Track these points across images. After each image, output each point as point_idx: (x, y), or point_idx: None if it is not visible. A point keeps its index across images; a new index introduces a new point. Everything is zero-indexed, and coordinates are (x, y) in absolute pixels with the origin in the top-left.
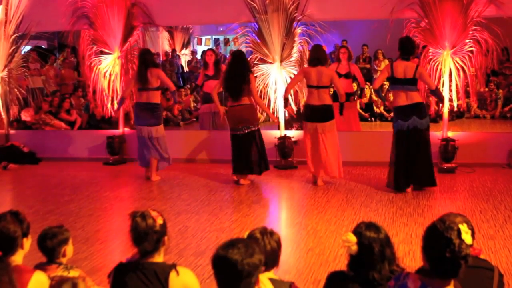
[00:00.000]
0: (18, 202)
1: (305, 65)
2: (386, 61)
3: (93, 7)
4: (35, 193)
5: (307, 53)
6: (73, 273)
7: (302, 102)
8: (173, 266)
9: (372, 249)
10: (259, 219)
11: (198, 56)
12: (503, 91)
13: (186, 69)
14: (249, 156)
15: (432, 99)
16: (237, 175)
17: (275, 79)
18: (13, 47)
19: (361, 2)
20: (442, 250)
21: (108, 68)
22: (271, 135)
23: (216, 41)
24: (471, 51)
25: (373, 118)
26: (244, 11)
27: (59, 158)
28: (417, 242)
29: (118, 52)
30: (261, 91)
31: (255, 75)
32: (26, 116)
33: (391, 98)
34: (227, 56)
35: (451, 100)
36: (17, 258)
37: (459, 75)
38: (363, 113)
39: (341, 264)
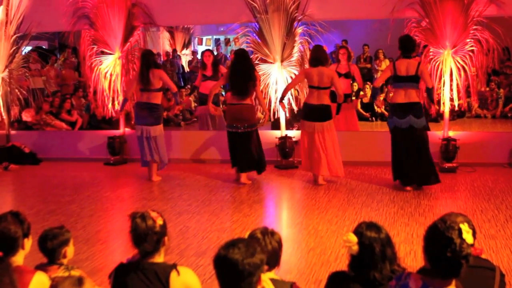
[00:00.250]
0: (19, 202)
1: (306, 66)
2: (387, 61)
3: (94, 8)
4: (36, 193)
5: (308, 53)
6: (74, 274)
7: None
8: (174, 266)
9: (373, 249)
10: (260, 219)
11: (199, 56)
12: (504, 90)
13: (187, 69)
14: (246, 155)
15: (433, 99)
16: (236, 173)
17: (276, 79)
18: (14, 48)
19: (361, 2)
20: (443, 249)
21: (109, 68)
22: (272, 135)
23: (217, 41)
24: (472, 51)
25: (374, 118)
26: (244, 11)
27: (60, 158)
28: (418, 242)
29: (119, 52)
30: (261, 91)
31: None
32: (27, 116)
33: (391, 95)
34: (228, 56)
35: (452, 99)
36: (18, 259)
37: (460, 75)
38: (364, 113)
39: (342, 264)
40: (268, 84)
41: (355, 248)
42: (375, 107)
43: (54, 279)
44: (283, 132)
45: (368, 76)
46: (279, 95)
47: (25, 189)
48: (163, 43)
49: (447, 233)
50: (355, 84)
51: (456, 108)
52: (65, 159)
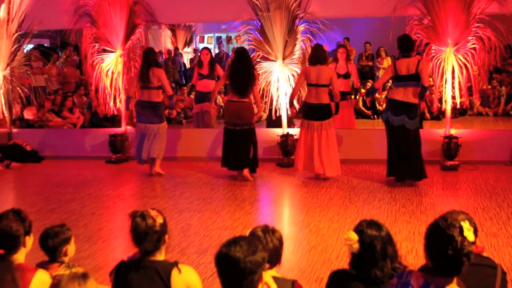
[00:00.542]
0: (20, 200)
1: (307, 64)
2: (389, 59)
3: (95, 5)
4: (37, 191)
5: (310, 50)
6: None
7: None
8: (175, 264)
9: (373, 247)
10: (261, 217)
11: None
12: (506, 88)
13: (188, 67)
14: (241, 153)
15: (435, 97)
16: (230, 169)
17: (278, 77)
18: (16, 46)
19: (363, 0)
20: (445, 247)
21: (110, 66)
22: (273, 133)
23: (219, 39)
24: (474, 48)
25: (375, 116)
26: (246, 9)
27: (61, 156)
28: (420, 240)
29: (121, 50)
30: (263, 89)
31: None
32: (28, 114)
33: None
34: (230, 54)
35: (453, 97)
36: (20, 257)
37: (461, 72)
38: (366, 111)
39: (344, 262)
40: (269, 82)
41: (356, 246)
42: (377, 105)
43: (55, 277)
44: (284, 130)
45: (370, 74)
46: (280, 93)
47: (26, 187)
48: (164, 41)
49: (448, 231)
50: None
51: (458, 106)
52: (67, 157)
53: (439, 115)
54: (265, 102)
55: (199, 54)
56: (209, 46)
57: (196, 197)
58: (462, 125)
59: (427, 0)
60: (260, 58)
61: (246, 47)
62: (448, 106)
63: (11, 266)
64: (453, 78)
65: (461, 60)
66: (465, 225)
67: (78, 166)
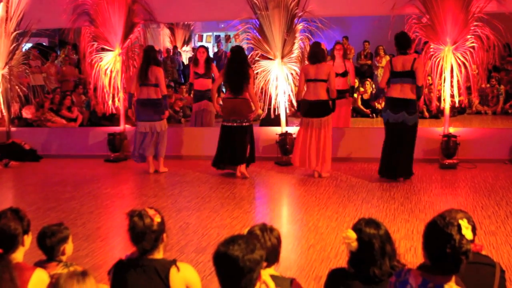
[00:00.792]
0: (19, 199)
1: (306, 62)
2: (388, 57)
3: (94, 4)
4: (36, 190)
5: (308, 49)
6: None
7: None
8: (174, 262)
9: (372, 246)
10: (260, 215)
11: None
12: (505, 87)
13: (186, 63)
14: (237, 149)
15: (434, 95)
16: (222, 169)
17: (276, 76)
18: (14, 45)
19: None
20: (443, 246)
21: (109, 65)
22: (272, 132)
23: (217, 37)
24: (473, 47)
25: (374, 114)
26: (245, 8)
27: (60, 155)
28: (418, 238)
29: (119, 49)
30: (262, 88)
31: (256, 71)
32: (27, 113)
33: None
34: (228, 52)
35: (452, 96)
36: (18, 256)
37: (460, 71)
38: (364, 109)
39: (343, 261)
40: (268, 80)
41: (354, 244)
42: (376, 104)
43: (53, 276)
44: (283, 128)
45: (368, 72)
46: (279, 91)
47: (25, 186)
48: (163, 40)
49: (446, 229)
50: (356, 80)
51: (457, 105)
52: (66, 156)
53: (437, 114)
54: (261, 100)
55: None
56: (208, 45)
57: (195, 195)
58: (461, 124)
59: None
60: (258, 57)
61: (245, 46)
62: (446, 105)
63: (9, 265)
64: (451, 76)
65: (459, 59)
66: (463, 223)
67: (77, 165)
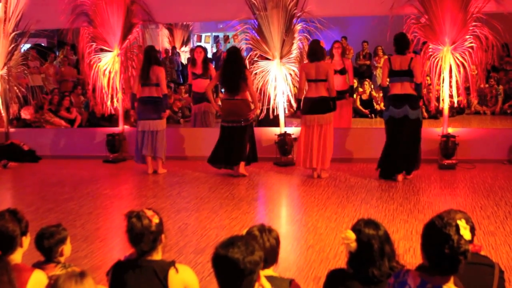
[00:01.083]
0: (18, 200)
1: (305, 61)
2: (385, 58)
3: (93, 5)
4: (35, 191)
5: (307, 49)
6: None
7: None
8: (172, 263)
9: (371, 246)
10: (259, 216)
11: None
12: (504, 87)
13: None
14: (235, 148)
15: (432, 95)
16: (218, 168)
17: (275, 76)
18: (13, 45)
19: None
20: (441, 246)
21: (107, 65)
22: (271, 132)
23: (216, 38)
24: (471, 47)
25: (373, 115)
26: (243, 8)
27: (59, 156)
28: (417, 239)
29: (118, 50)
30: (260, 88)
31: (254, 72)
32: (26, 114)
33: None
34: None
35: (451, 96)
36: (16, 257)
37: (459, 71)
38: (363, 110)
39: (342, 261)
40: (267, 81)
41: (354, 245)
42: (374, 104)
43: (51, 277)
44: (282, 129)
45: (367, 73)
46: (278, 91)
47: (24, 186)
48: (162, 40)
49: (444, 229)
50: (355, 80)
51: (456, 105)
52: (64, 157)
53: (436, 114)
54: (259, 101)
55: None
56: (207, 45)
57: (194, 196)
58: (460, 124)
59: None
60: (257, 57)
61: (244, 46)
62: (445, 105)
63: (7, 266)
64: (450, 77)
65: (458, 59)
66: (462, 223)
67: (76, 166)
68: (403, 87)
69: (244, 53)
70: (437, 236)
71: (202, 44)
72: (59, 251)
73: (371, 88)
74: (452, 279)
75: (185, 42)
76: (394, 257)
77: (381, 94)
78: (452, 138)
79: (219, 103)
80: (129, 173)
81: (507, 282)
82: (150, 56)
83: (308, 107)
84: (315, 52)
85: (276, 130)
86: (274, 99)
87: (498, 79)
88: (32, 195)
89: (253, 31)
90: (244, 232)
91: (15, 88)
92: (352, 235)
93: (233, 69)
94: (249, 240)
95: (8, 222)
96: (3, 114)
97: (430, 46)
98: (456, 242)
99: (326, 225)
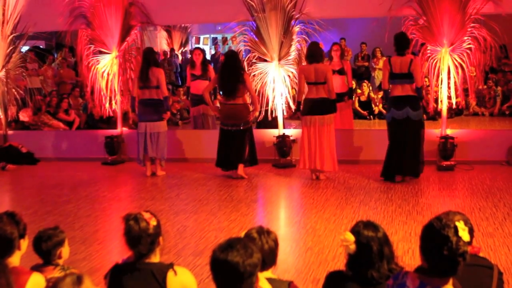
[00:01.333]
0: (16, 202)
1: (303, 63)
2: (384, 59)
3: (91, 7)
4: (33, 193)
5: (305, 51)
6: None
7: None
8: (171, 265)
9: (370, 248)
10: (258, 218)
11: None
12: (502, 88)
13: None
14: (236, 151)
15: (431, 97)
16: (223, 170)
17: (273, 78)
18: (11, 47)
19: (359, 0)
20: (440, 248)
21: (106, 67)
22: (269, 134)
23: (214, 40)
24: (470, 49)
25: (371, 116)
26: (242, 10)
27: (57, 158)
28: (416, 241)
29: (116, 52)
30: (259, 90)
31: (252, 73)
32: (24, 116)
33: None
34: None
35: (449, 97)
36: (14, 260)
37: (457, 73)
38: (362, 111)
39: (340, 263)
40: (265, 82)
41: (353, 247)
42: (373, 106)
43: (49, 280)
44: (280, 131)
45: (366, 74)
46: (276, 93)
47: (22, 189)
48: (160, 42)
49: (443, 231)
50: (353, 82)
51: (454, 106)
52: (63, 159)
53: (435, 115)
54: (258, 102)
55: (189, 55)
56: (205, 47)
57: (192, 198)
58: (458, 125)
59: (422, 0)
60: (255, 59)
61: (242, 48)
62: (444, 106)
63: (5, 269)
64: (448, 78)
65: (456, 60)
66: (460, 225)
67: (74, 168)
68: (404, 89)
69: (242, 55)
70: (436, 238)
71: (201, 46)
72: (57, 254)
73: (369, 89)
74: (451, 280)
75: (183, 44)
76: (393, 259)
77: (379, 96)
78: (450, 140)
79: (217, 104)
80: (127, 175)
81: (506, 284)
82: (149, 58)
83: (308, 107)
84: (313, 54)
85: (274, 132)
86: (273, 101)
87: (496, 80)
88: (30, 197)
89: (252, 33)
90: (242, 234)
91: (14, 90)
92: (351, 237)
93: (230, 73)
94: (247, 243)
95: (6, 225)
96: (1, 116)
97: (428, 48)
98: (455, 243)
99: (325, 227)
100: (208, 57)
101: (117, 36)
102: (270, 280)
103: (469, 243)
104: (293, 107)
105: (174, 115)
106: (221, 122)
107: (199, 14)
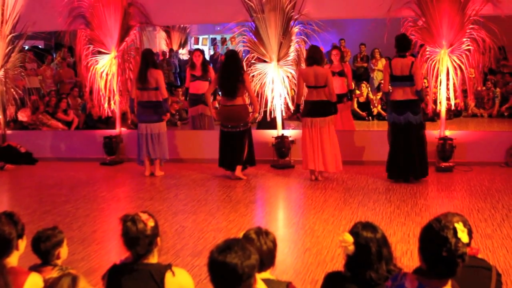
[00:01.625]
0: (14, 202)
1: (303, 65)
2: (383, 60)
3: (90, 7)
4: (32, 193)
5: (304, 52)
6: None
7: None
8: (169, 266)
9: (369, 249)
10: (256, 219)
11: None
12: (501, 89)
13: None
14: (236, 153)
15: (430, 98)
16: (226, 169)
17: (272, 78)
18: (10, 47)
19: (358, 1)
20: (439, 249)
21: (105, 68)
22: (268, 135)
23: (213, 40)
24: (469, 50)
25: (370, 117)
26: (241, 10)
27: (56, 158)
28: (414, 242)
29: (115, 52)
30: (258, 91)
31: (252, 74)
32: (22, 116)
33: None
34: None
35: (448, 98)
36: (12, 260)
37: (456, 74)
38: (361, 112)
39: (339, 264)
40: (264, 83)
41: (351, 248)
42: (371, 107)
43: (47, 280)
44: (279, 131)
45: (365, 75)
46: (275, 94)
47: (21, 189)
48: (159, 43)
49: (442, 232)
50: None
51: (453, 107)
52: (61, 159)
53: (433, 117)
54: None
55: (189, 56)
56: (204, 47)
57: (191, 199)
58: (457, 127)
59: (421, 1)
60: (254, 60)
61: (241, 48)
62: (442, 108)
63: (3, 269)
64: (447, 79)
65: (455, 62)
66: (459, 226)
67: (73, 168)
68: (405, 93)
69: (241, 56)
70: (435, 239)
71: (200, 46)
72: (55, 254)
73: (368, 90)
74: (449, 282)
75: (182, 45)
76: (391, 260)
77: (378, 97)
78: (449, 141)
79: (216, 105)
80: (126, 176)
81: (504, 285)
82: (147, 60)
83: (308, 109)
84: (313, 57)
85: (273, 133)
86: (272, 102)
87: (495, 81)
88: (29, 197)
89: (251, 34)
90: (241, 235)
91: (12, 90)
92: (349, 238)
93: (230, 73)
94: (244, 244)
95: (4, 225)
96: (0, 116)
97: (427, 49)
98: (454, 245)
99: (324, 228)
100: (207, 57)
101: (116, 36)
102: (268, 281)
103: (468, 244)
104: (292, 108)
105: (173, 116)
106: (221, 123)
107: (198, 14)
